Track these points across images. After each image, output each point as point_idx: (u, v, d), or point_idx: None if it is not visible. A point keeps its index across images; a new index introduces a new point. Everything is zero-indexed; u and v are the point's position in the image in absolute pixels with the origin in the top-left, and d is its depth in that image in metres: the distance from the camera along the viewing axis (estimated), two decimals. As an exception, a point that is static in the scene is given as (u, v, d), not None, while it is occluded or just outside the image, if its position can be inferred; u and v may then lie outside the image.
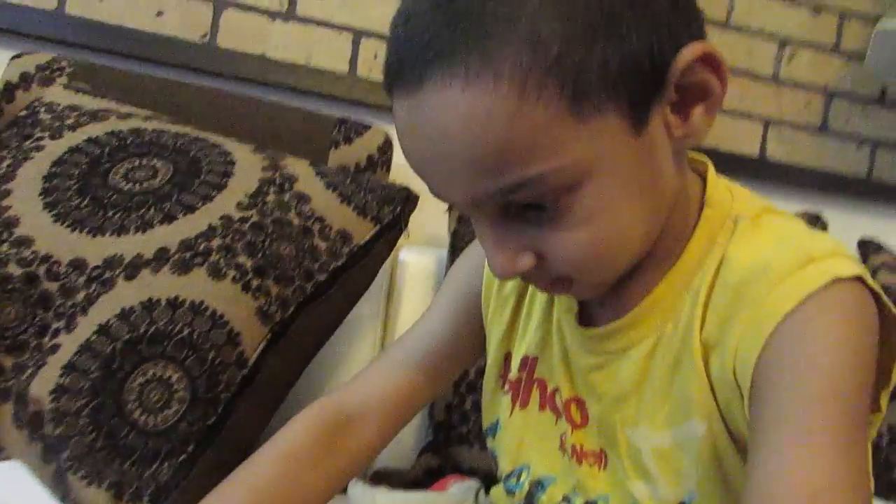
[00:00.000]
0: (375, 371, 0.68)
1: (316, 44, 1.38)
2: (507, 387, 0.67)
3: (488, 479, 0.80)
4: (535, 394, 0.64)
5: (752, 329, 0.48)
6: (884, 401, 0.52)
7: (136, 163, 0.96)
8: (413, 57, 0.46)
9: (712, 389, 0.51)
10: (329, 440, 0.63)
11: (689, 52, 0.48)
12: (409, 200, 1.03)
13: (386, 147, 1.20)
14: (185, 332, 0.83)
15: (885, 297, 0.49)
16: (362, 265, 0.97)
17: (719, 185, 0.56)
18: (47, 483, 0.76)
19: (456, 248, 1.14)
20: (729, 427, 0.52)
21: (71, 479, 0.77)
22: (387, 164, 1.20)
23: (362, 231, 0.97)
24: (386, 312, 1.20)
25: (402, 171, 1.07)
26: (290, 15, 1.37)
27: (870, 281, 0.48)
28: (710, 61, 0.49)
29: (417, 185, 0.95)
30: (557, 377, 0.62)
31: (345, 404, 0.66)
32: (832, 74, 1.63)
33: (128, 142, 0.99)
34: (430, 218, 1.14)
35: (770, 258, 0.49)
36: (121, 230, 0.89)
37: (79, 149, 0.97)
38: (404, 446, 1.12)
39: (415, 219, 1.07)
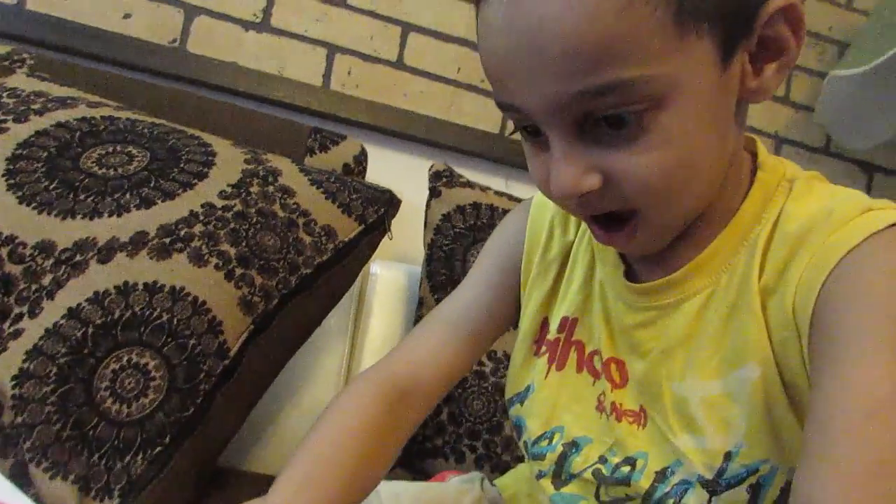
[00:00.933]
0: (421, 343, 0.68)
1: (289, 56, 1.36)
2: (543, 348, 0.66)
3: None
4: (573, 355, 0.64)
5: (815, 267, 0.48)
6: None
7: (110, 149, 0.92)
8: None
9: (769, 335, 0.51)
10: (392, 414, 0.62)
11: (777, 1, 0.49)
12: (392, 203, 1.01)
13: (361, 157, 1.18)
14: (165, 317, 0.78)
15: None
16: (345, 263, 0.94)
17: (770, 156, 0.57)
18: (5, 475, 0.69)
19: (433, 258, 1.12)
20: (782, 374, 0.51)
21: (33, 472, 0.70)
22: (362, 174, 1.18)
23: (347, 229, 0.94)
24: (354, 326, 1.16)
25: (374, 182, 1.06)
26: (264, 26, 1.35)
27: None
28: (793, 16, 0.49)
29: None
30: (597, 338, 0.62)
31: (397, 377, 0.65)
32: (782, 122, 1.70)
33: (100, 128, 0.94)
34: (402, 233, 1.12)
35: (832, 206, 0.50)
36: (94, 214, 0.84)
37: (46, 132, 0.92)
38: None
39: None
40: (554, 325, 0.66)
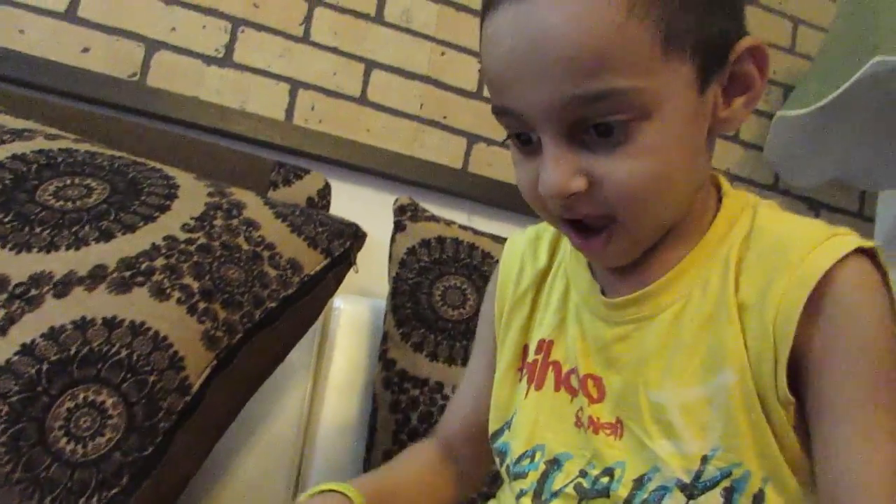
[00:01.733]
0: (453, 413, 0.79)
1: (252, 91, 1.34)
2: (524, 371, 0.69)
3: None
4: (551, 375, 0.66)
5: (795, 286, 0.53)
6: None
7: (68, 181, 0.88)
8: None
9: (745, 345, 0.55)
10: (444, 468, 0.76)
11: (746, 41, 0.56)
12: (357, 237, 0.99)
13: (325, 191, 1.16)
14: (123, 353, 0.74)
15: (887, 270, 0.55)
16: (311, 297, 0.91)
17: (732, 187, 0.63)
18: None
19: (398, 291, 1.10)
20: (756, 383, 0.55)
21: (-21, 517, 0.65)
22: (326, 209, 1.15)
23: (313, 262, 0.91)
24: (317, 361, 1.13)
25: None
26: (226, 61, 1.33)
27: (881, 256, 0.55)
28: (760, 56, 0.56)
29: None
30: (574, 357, 0.65)
31: (443, 441, 0.78)
32: (733, 160, 1.73)
33: (58, 160, 0.91)
34: (365, 267, 1.10)
35: (803, 228, 0.56)
36: (50, 247, 0.80)
37: (2, 165, 0.88)
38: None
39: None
40: (532, 348, 0.69)
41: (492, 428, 0.71)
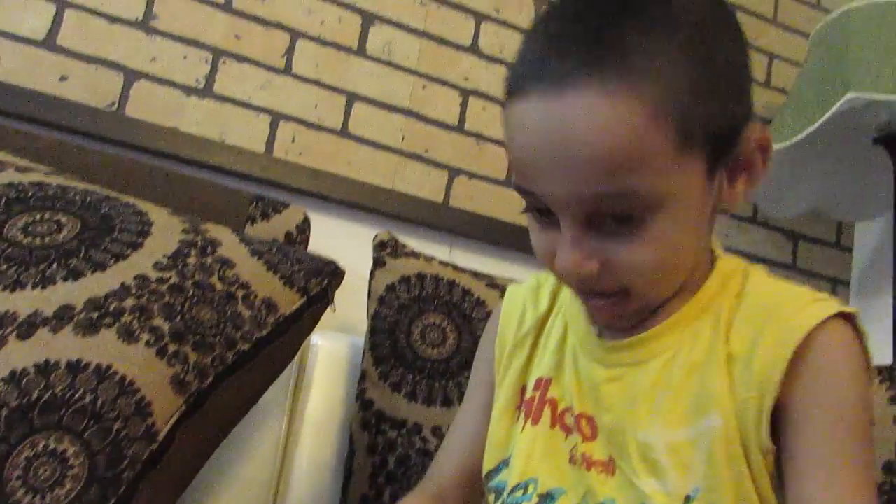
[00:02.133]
0: (447, 458, 0.78)
1: (232, 122, 1.32)
2: (521, 409, 0.71)
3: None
4: (547, 412, 0.69)
5: (781, 344, 0.57)
6: None
7: (38, 216, 0.85)
8: (562, 65, 0.53)
9: (732, 392, 0.59)
10: None
11: (755, 131, 0.60)
12: (336, 275, 0.96)
13: (304, 226, 1.13)
14: (88, 398, 0.70)
15: (866, 334, 0.61)
16: (286, 338, 0.88)
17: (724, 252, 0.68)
18: None
19: (377, 329, 1.07)
20: (740, 430, 0.58)
21: (-72, 575, 0.61)
22: (304, 243, 1.12)
23: (289, 302, 0.88)
24: (293, 399, 1.09)
25: (317, 251, 1.01)
26: (206, 92, 1.31)
27: (859, 319, 0.60)
28: (764, 143, 0.60)
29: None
30: (569, 397, 0.68)
31: (436, 489, 0.76)
32: (713, 194, 1.72)
33: (28, 194, 0.87)
34: (345, 303, 1.07)
35: (790, 291, 0.62)
36: (16, 285, 0.76)
37: (-31, 199, 0.85)
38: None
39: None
40: (530, 386, 0.72)
41: (487, 466, 0.72)
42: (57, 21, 1.24)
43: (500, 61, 1.53)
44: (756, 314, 0.60)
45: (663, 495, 0.59)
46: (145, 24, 1.29)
